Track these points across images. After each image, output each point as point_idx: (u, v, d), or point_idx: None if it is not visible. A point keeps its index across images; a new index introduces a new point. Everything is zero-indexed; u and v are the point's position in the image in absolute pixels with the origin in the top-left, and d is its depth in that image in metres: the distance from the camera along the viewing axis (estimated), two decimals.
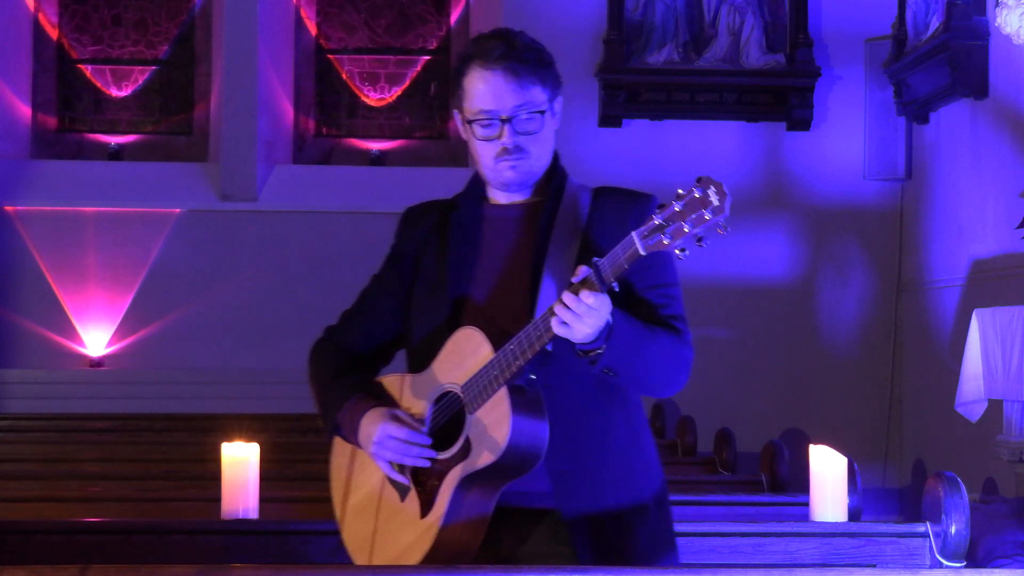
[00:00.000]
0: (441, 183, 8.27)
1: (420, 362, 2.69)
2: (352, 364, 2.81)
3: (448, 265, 2.70)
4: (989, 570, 4.08)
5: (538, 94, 2.65)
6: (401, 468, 2.65)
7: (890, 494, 7.71)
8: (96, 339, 7.88)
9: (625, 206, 2.63)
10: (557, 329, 2.42)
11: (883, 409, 7.83)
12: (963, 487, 3.44)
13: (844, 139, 7.87)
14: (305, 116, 8.48)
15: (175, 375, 7.83)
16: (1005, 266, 6.34)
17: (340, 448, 2.82)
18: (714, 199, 2.28)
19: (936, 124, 7.33)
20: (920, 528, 3.45)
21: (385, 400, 2.72)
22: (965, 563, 3.42)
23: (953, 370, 6.06)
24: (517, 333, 2.49)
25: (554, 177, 2.72)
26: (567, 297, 2.40)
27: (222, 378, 7.76)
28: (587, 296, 2.38)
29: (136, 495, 4.27)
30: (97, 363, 7.88)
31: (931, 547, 3.42)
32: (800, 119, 7.79)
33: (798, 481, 4.47)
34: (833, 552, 3.48)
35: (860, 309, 7.91)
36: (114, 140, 8.39)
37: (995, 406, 5.59)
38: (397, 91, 8.55)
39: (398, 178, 8.22)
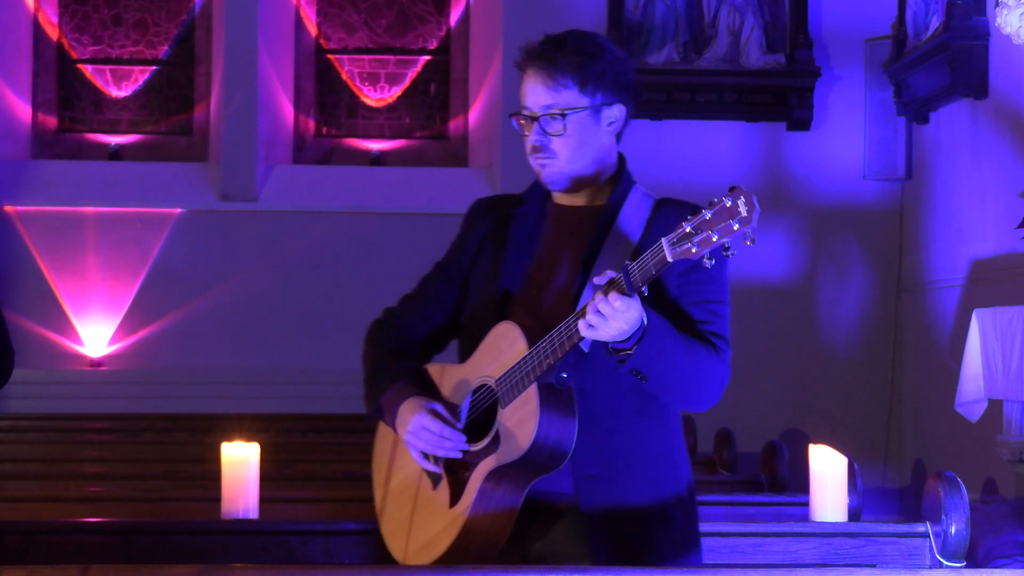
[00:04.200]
0: (441, 183, 8.35)
1: (468, 352, 2.72)
2: (405, 347, 2.84)
3: (503, 259, 2.73)
4: (989, 570, 4.07)
5: (572, 96, 2.68)
6: (433, 458, 2.68)
7: (890, 494, 7.71)
8: (96, 339, 7.87)
9: (681, 216, 2.52)
10: (584, 331, 2.44)
11: (883, 409, 7.82)
12: (963, 487, 3.44)
13: (844, 139, 7.86)
14: (305, 116, 8.48)
15: (175, 375, 7.82)
16: (1005, 266, 6.33)
17: (384, 431, 2.85)
18: (743, 210, 2.31)
19: (936, 124, 7.33)
20: (920, 528, 3.45)
21: (427, 388, 2.75)
22: (965, 563, 3.42)
23: (953, 370, 6.06)
24: (551, 331, 2.51)
25: (619, 184, 2.73)
26: (597, 299, 2.41)
27: (222, 378, 7.75)
28: (615, 299, 2.39)
29: (136, 495, 4.28)
30: (97, 363, 7.87)
31: (931, 547, 3.42)
32: (800, 119, 7.79)
33: (798, 481, 4.47)
34: (833, 552, 3.48)
35: (860, 309, 7.90)
36: (114, 140, 8.38)
37: (995, 406, 5.59)
38: (397, 91, 8.54)
39: (398, 178, 8.22)
